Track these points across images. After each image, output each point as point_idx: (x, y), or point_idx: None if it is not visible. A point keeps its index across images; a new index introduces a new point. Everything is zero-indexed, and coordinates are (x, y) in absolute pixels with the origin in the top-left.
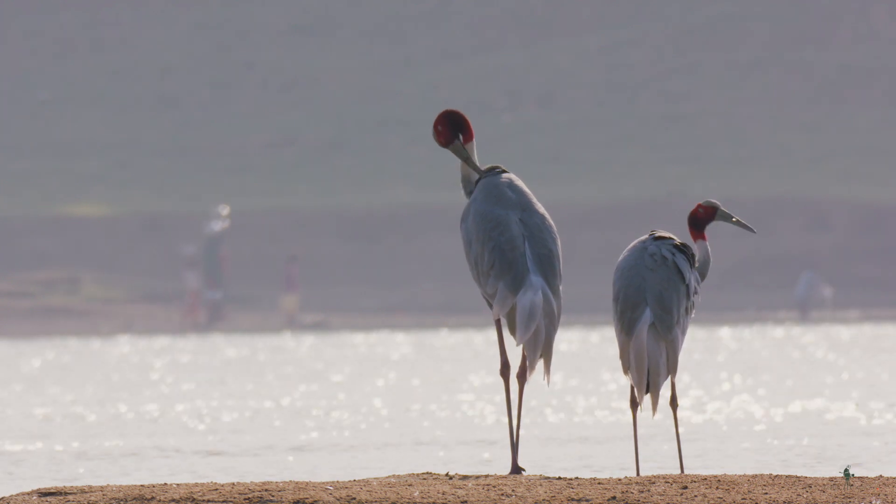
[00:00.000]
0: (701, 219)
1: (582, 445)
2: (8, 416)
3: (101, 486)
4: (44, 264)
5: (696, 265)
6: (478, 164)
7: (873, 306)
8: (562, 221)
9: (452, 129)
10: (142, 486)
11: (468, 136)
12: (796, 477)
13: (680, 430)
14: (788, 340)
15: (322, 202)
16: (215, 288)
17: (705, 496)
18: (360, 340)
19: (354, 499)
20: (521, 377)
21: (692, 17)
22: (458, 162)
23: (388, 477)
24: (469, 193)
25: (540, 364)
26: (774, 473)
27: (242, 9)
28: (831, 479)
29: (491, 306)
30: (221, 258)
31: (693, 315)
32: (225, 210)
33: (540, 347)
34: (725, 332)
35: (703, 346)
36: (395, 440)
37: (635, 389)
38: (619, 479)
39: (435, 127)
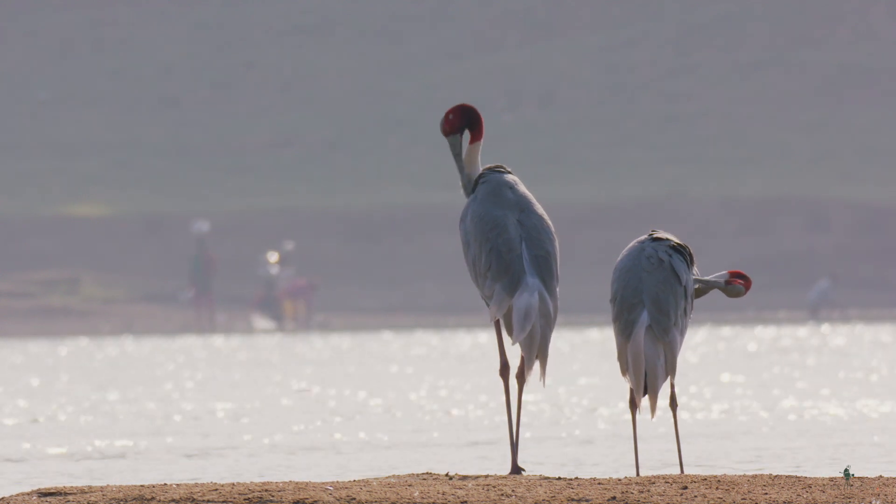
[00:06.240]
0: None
1: (582, 445)
2: (8, 416)
3: (101, 487)
4: (44, 264)
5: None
6: (480, 165)
7: (873, 306)
8: (562, 221)
9: (463, 122)
10: (142, 486)
11: (477, 136)
12: (796, 477)
13: (679, 430)
14: (789, 340)
15: (322, 202)
16: (200, 288)
17: (705, 496)
18: (359, 340)
19: (354, 499)
20: (521, 378)
21: (692, 17)
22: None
23: (388, 477)
24: (467, 188)
25: (536, 364)
26: (774, 473)
27: (242, 9)
28: (831, 479)
29: (489, 307)
30: (208, 259)
31: (692, 315)
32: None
33: (536, 348)
34: (726, 332)
35: (703, 345)
36: (396, 440)
37: (633, 391)
38: (619, 479)
39: (447, 114)
